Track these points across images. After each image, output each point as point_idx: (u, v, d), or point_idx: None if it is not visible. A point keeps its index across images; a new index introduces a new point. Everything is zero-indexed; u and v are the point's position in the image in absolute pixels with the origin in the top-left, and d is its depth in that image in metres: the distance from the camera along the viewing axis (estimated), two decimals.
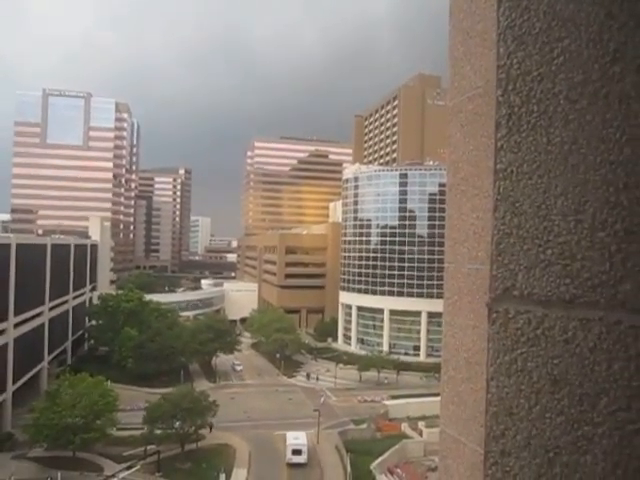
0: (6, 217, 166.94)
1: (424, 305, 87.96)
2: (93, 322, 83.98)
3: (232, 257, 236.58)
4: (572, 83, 1.20)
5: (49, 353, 68.35)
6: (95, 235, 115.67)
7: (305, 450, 49.88)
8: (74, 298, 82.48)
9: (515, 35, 1.29)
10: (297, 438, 50.72)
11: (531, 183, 1.26)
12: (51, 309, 69.67)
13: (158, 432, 48.59)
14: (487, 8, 1.42)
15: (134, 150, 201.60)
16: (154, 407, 50.11)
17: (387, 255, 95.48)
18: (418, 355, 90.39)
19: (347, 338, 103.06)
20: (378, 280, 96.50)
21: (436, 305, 75.89)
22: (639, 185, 1.11)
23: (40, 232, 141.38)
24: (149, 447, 48.64)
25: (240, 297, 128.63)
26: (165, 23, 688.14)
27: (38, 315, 64.52)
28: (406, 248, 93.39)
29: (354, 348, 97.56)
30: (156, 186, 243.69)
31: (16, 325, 56.94)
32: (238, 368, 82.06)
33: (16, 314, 56.43)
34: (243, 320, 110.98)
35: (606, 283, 1.13)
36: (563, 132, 1.21)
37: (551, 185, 1.22)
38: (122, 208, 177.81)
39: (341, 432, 55.91)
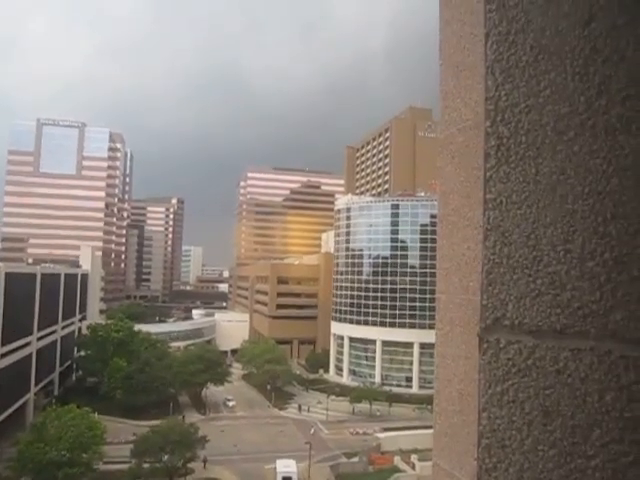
0: None
1: (416, 336, 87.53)
2: (82, 352, 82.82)
3: (224, 287, 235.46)
4: (559, 115, 1.21)
5: (36, 384, 67.15)
6: (86, 264, 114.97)
7: (295, 477, 50.10)
8: (63, 328, 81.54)
9: (503, 68, 1.31)
10: (287, 466, 50.99)
11: (520, 213, 1.26)
12: (39, 339, 68.77)
13: (146, 466, 47.58)
14: (476, 43, 1.43)
15: (127, 179, 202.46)
16: (142, 440, 49.19)
17: (379, 286, 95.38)
18: (410, 387, 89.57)
19: (339, 369, 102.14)
20: (370, 311, 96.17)
21: (428, 336, 75.54)
22: (627, 215, 1.11)
23: (30, 261, 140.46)
24: None
25: (231, 327, 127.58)
26: (162, 55, 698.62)
27: (26, 345, 63.66)
28: (398, 279, 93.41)
29: (346, 379, 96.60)
30: (148, 215, 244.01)
31: (3, 355, 56.10)
32: (230, 404, 79.30)
33: (3, 344, 55.63)
34: (234, 351, 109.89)
35: (596, 313, 1.13)
36: (551, 163, 1.22)
37: (540, 215, 1.22)
38: (114, 237, 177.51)
39: (333, 465, 55.00)
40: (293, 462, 51.80)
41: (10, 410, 57.54)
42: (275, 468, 50.99)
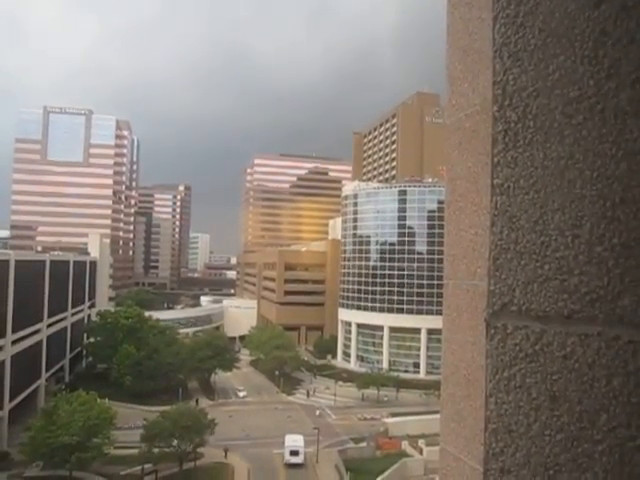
0: (5, 234, 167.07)
1: (424, 322, 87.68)
2: (91, 339, 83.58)
3: (231, 274, 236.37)
4: (568, 99, 1.20)
5: (47, 370, 67.93)
6: (94, 252, 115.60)
7: (302, 451, 52.17)
8: (72, 315, 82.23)
9: (511, 52, 1.30)
10: (295, 440, 53.39)
11: (528, 198, 1.25)
12: (49, 326, 69.40)
13: (156, 450, 48.04)
14: (483, 27, 1.42)
15: (134, 167, 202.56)
16: (152, 425, 49.63)
17: (386, 272, 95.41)
18: (418, 372, 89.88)
19: (347, 355, 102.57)
20: (378, 297, 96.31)
21: (436, 322, 75.58)
22: (636, 200, 1.10)
23: (39, 249, 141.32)
24: (147, 466, 48.12)
25: (239, 314, 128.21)
26: (167, 40, 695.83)
27: (36, 332, 64.25)
28: (405, 265, 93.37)
29: (354, 365, 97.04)
30: (156, 203, 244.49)
31: (14, 342, 56.68)
32: (241, 394, 78.69)
33: (14, 331, 56.20)
34: (242, 337, 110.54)
35: (604, 298, 1.12)
36: (559, 147, 1.21)
37: (548, 200, 1.22)
38: (122, 225, 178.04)
39: (341, 451, 55.38)
40: (301, 437, 53.89)
41: (22, 396, 58.29)
42: (284, 443, 53.09)
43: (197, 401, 69.35)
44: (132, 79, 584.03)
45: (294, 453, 52.06)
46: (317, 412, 69.67)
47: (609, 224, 1.13)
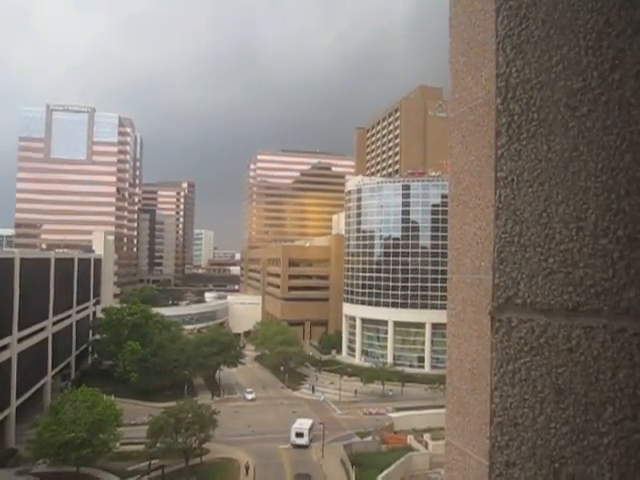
0: (10, 232, 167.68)
1: (428, 316, 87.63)
2: (97, 336, 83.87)
3: (235, 270, 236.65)
4: (571, 90, 1.20)
5: (53, 368, 68.14)
6: (99, 249, 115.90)
7: (307, 433, 54.39)
8: (78, 312, 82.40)
9: (514, 44, 1.29)
10: (302, 423, 55.92)
11: (532, 191, 1.25)
12: (55, 323, 69.59)
13: (161, 446, 48.17)
14: (486, 19, 1.42)
15: (137, 164, 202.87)
16: (157, 421, 49.80)
17: (391, 267, 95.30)
18: (423, 367, 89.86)
19: (351, 350, 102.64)
20: (382, 292, 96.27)
21: (440, 316, 75.57)
22: None
23: (44, 246, 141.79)
24: (153, 462, 48.32)
25: (244, 310, 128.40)
26: (170, 36, 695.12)
27: (42, 329, 64.48)
28: (409, 259, 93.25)
29: (358, 360, 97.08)
30: (159, 200, 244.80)
31: (20, 340, 56.87)
32: (249, 396, 74.44)
33: (20, 329, 56.38)
34: (247, 333, 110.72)
35: (609, 290, 1.12)
36: (563, 139, 1.21)
37: (552, 192, 1.22)
38: (126, 222, 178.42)
39: (346, 445, 55.42)
40: (309, 421, 56.31)
41: (28, 393, 58.50)
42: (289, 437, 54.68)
43: (213, 395, 71.66)
44: (135, 75, 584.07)
45: (299, 435, 54.29)
46: (321, 397, 72.69)
47: (614, 216, 1.12)
